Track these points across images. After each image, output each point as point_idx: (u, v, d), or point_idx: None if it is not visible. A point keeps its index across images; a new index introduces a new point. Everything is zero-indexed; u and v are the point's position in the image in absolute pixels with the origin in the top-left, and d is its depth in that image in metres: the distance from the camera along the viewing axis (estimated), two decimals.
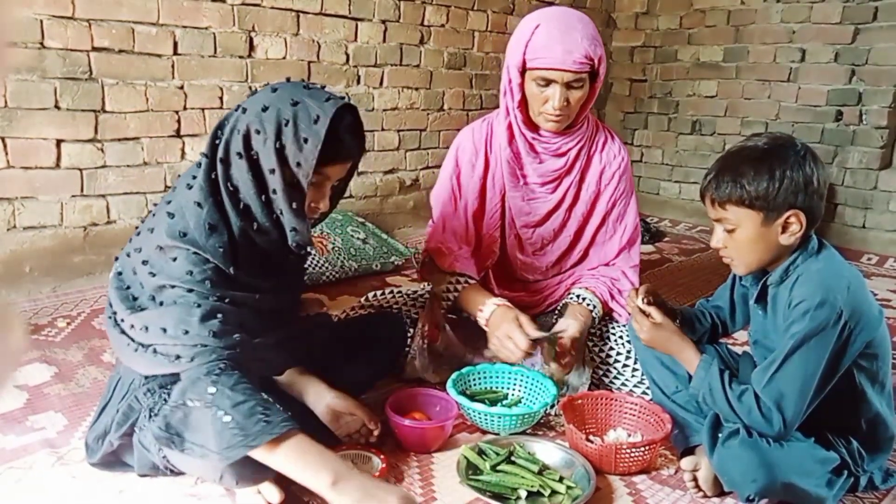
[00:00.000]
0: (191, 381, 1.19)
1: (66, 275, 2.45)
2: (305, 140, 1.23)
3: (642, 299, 1.51)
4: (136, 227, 1.37)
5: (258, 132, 1.24)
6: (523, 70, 1.72)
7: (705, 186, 1.37)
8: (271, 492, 1.29)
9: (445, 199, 1.91)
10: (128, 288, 1.29)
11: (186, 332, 1.20)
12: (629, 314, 1.56)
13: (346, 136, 1.29)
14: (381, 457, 1.44)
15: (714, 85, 4.06)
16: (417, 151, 3.58)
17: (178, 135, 2.64)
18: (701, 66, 4.11)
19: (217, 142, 1.29)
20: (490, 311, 1.70)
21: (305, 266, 1.72)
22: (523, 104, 1.77)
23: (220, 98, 2.72)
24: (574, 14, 1.72)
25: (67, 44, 2.30)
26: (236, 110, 1.30)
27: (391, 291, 2.11)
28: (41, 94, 2.28)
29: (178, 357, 1.21)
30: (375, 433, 1.49)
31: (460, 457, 1.43)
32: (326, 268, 2.66)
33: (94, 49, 2.36)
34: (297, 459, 1.18)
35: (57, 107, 2.32)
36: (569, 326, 1.72)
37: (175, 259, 1.23)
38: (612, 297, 1.88)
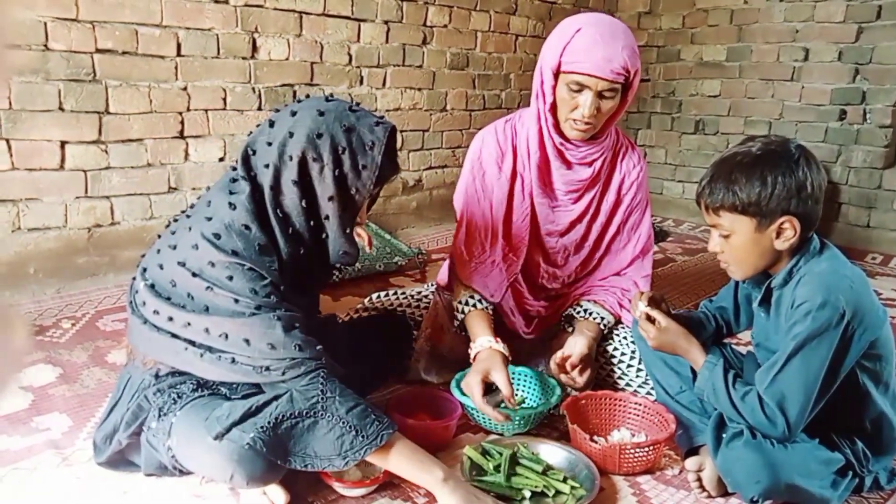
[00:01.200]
0: (299, 393, 1.23)
1: (70, 276, 2.46)
2: (364, 167, 1.29)
3: (645, 303, 1.51)
4: (157, 239, 1.34)
5: (315, 160, 1.27)
6: (557, 72, 1.66)
7: (700, 192, 1.37)
8: (277, 493, 1.30)
9: (471, 201, 1.85)
10: (168, 298, 1.27)
11: (273, 347, 1.22)
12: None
13: (388, 158, 1.34)
14: None
15: (717, 84, 4.06)
16: (420, 152, 3.58)
17: (181, 136, 2.64)
18: (704, 66, 4.11)
19: (255, 164, 1.29)
20: (476, 351, 1.66)
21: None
22: (554, 108, 1.72)
23: (224, 99, 2.73)
24: (618, 23, 1.68)
25: (71, 46, 2.31)
26: (271, 126, 1.31)
27: (395, 293, 2.11)
28: (45, 96, 2.29)
29: (266, 369, 1.23)
30: None
31: (464, 457, 1.44)
32: None
33: (98, 51, 2.37)
34: (410, 457, 1.27)
35: (61, 108, 2.33)
36: (576, 344, 1.71)
37: (231, 278, 1.23)
38: (622, 306, 1.86)
